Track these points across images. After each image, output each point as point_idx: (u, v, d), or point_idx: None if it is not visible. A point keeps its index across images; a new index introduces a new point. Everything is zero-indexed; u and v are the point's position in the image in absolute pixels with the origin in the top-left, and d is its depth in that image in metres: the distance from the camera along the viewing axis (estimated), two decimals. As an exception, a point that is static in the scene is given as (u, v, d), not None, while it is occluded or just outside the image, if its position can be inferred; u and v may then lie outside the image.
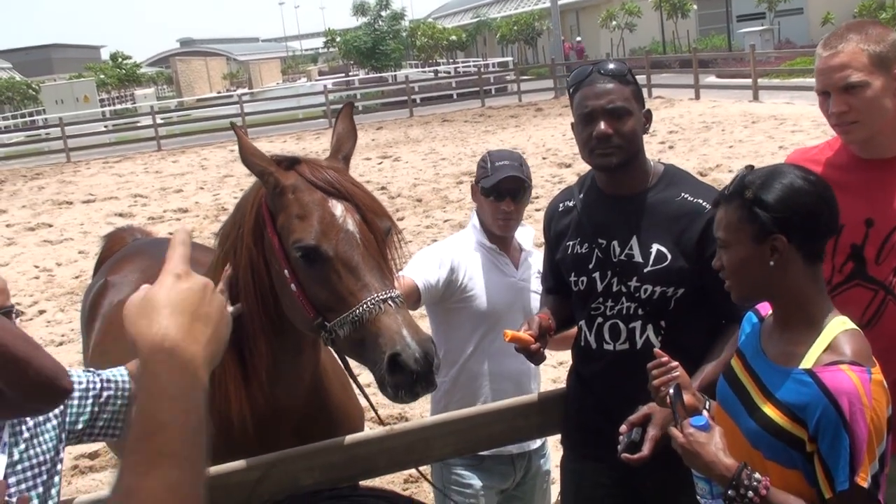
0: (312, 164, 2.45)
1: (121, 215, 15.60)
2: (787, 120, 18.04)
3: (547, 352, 2.57)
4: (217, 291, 1.18)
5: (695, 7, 39.11)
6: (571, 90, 2.54)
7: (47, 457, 2.14)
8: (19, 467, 2.06)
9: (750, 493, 1.86)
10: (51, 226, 15.64)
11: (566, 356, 2.90)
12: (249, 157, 2.40)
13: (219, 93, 67.65)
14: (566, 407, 2.74)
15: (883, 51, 2.32)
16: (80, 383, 2.27)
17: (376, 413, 2.82)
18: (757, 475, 1.87)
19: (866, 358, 1.87)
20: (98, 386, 2.29)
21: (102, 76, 65.55)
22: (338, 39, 53.58)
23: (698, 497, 2.02)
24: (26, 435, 2.11)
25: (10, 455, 2.06)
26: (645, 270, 2.46)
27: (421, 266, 3.06)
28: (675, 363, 2.11)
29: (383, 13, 47.10)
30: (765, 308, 2.12)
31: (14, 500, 1.94)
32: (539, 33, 50.99)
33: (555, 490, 3.23)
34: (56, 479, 2.17)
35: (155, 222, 14.24)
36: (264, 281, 2.44)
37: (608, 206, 2.57)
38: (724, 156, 14.77)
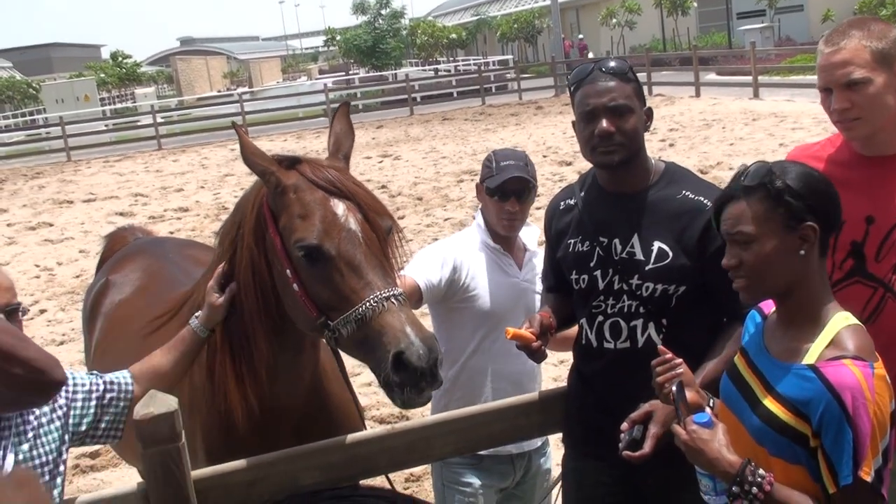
0: (314, 163, 2.45)
1: (121, 214, 15.60)
2: (788, 117, 18.04)
3: (547, 350, 2.57)
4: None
5: (695, 4, 39.06)
6: (573, 88, 2.54)
7: (50, 457, 2.14)
8: (23, 466, 2.06)
9: (754, 489, 1.86)
10: (51, 225, 15.64)
11: (567, 355, 2.89)
12: (251, 156, 2.40)
13: (219, 92, 67.72)
14: (567, 405, 2.74)
15: (885, 47, 2.32)
16: (83, 385, 2.27)
17: (361, 416, 2.82)
18: (761, 471, 1.88)
19: (869, 353, 1.88)
20: (101, 388, 2.30)
21: (103, 75, 65.51)
22: (338, 38, 53.52)
23: (702, 494, 2.02)
24: (31, 435, 2.12)
25: (16, 454, 2.06)
26: (646, 268, 2.46)
27: (423, 265, 3.06)
28: (678, 360, 2.11)
29: (383, 12, 47.04)
30: (767, 306, 2.12)
31: None
32: (539, 31, 50.96)
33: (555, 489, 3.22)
34: (58, 479, 2.17)
35: (156, 221, 14.24)
36: (265, 280, 2.44)
37: (609, 204, 2.56)
38: (725, 153, 14.76)
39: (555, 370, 5.89)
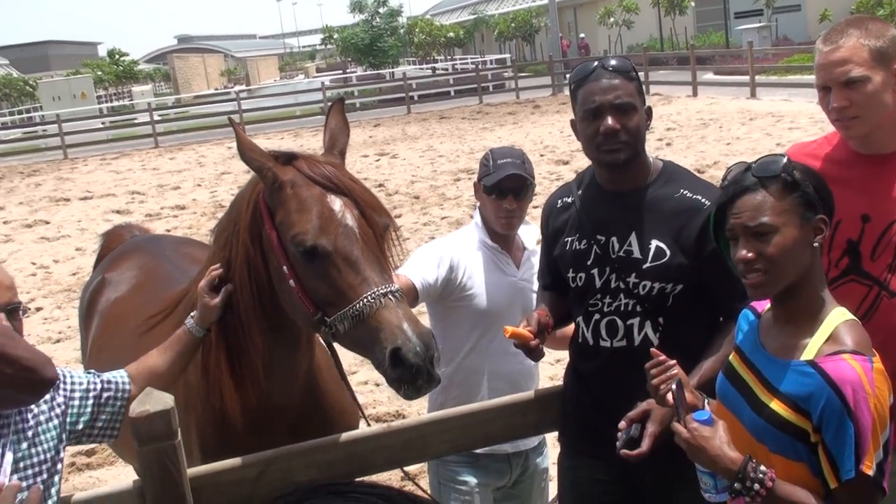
0: (310, 159, 2.44)
1: (118, 212, 15.57)
2: (785, 117, 18.05)
3: (544, 348, 2.56)
4: None
5: (692, 4, 39.06)
6: (574, 86, 2.51)
7: (48, 455, 2.14)
8: (21, 465, 2.07)
9: (756, 486, 1.86)
10: (48, 223, 15.61)
11: (564, 354, 2.89)
12: (248, 152, 2.39)
13: (216, 90, 67.67)
14: (563, 404, 2.74)
15: (883, 46, 2.32)
16: (81, 384, 2.27)
17: (362, 413, 2.81)
18: (763, 467, 1.88)
19: (867, 348, 1.88)
20: (98, 387, 2.30)
21: (100, 73, 65.44)
22: (335, 36, 53.58)
23: (702, 492, 2.02)
24: (29, 434, 2.11)
25: (14, 453, 2.06)
26: (644, 267, 2.45)
27: (419, 264, 3.05)
28: (672, 361, 2.11)
29: (381, 10, 47.08)
30: (760, 304, 2.12)
31: (25, 493, 1.94)
32: (537, 30, 50.95)
33: (552, 487, 3.22)
34: (56, 478, 2.17)
35: (152, 219, 14.22)
36: (261, 277, 2.43)
37: (607, 203, 2.55)
38: (722, 153, 14.77)
39: (551, 369, 5.89)
